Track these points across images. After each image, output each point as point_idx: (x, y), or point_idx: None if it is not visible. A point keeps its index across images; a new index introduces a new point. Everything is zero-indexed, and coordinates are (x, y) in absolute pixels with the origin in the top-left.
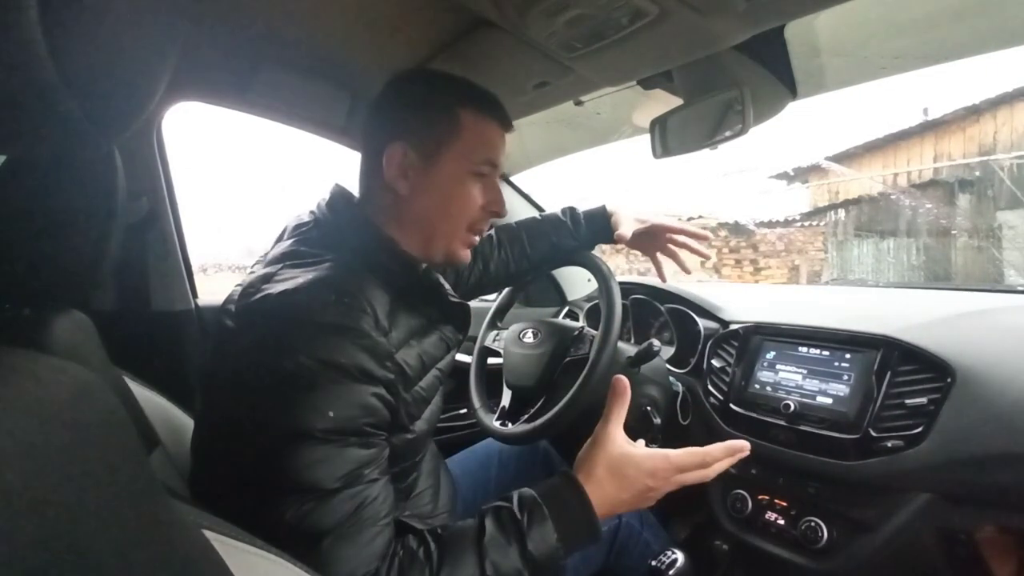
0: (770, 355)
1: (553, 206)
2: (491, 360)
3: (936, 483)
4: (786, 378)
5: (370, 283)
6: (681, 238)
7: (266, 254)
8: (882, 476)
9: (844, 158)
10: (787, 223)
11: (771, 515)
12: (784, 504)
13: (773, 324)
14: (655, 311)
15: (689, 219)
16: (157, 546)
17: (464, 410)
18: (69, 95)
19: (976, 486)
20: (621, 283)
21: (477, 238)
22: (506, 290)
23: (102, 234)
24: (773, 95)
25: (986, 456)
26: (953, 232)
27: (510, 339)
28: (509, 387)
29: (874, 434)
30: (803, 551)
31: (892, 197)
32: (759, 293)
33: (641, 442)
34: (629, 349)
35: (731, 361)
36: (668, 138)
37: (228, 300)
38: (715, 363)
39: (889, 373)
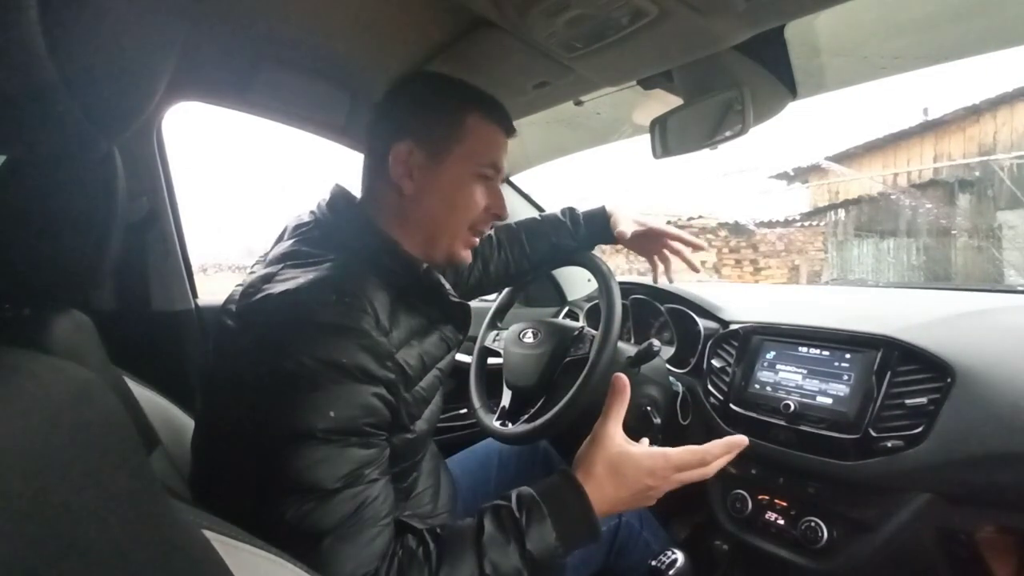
0: (770, 355)
1: (553, 206)
2: (491, 360)
3: (936, 483)
4: (786, 378)
5: (371, 283)
6: (677, 245)
7: (266, 254)
8: (882, 476)
9: (844, 158)
10: (787, 223)
11: (771, 515)
12: (784, 504)
13: (773, 324)
14: (655, 311)
15: (689, 219)
16: (157, 546)
17: (464, 410)
18: (69, 95)
19: (976, 486)
20: (621, 283)
21: (478, 239)
22: (506, 290)
23: (102, 234)
24: (773, 95)
25: (986, 456)
26: (953, 232)
27: (510, 339)
28: (509, 387)
29: (874, 434)
30: (803, 551)
31: (892, 197)
32: (759, 293)
33: (645, 441)
34: (629, 349)
35: (731, 361)
36: (668, 138)
37: (229, 300)
38: (715, 363)
39: (889, 373)
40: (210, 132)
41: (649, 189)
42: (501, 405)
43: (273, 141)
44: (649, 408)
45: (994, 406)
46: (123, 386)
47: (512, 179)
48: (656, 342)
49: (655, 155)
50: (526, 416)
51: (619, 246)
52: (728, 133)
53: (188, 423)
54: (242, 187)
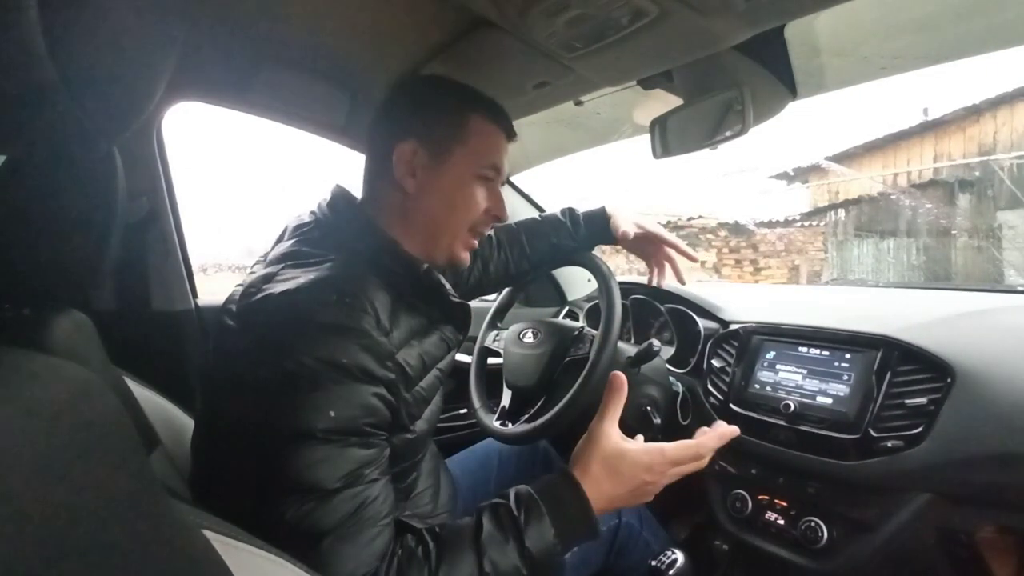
0: (770, 355)
1: (553, 206)
2: (491, 360)
3: (936, 483)
4: (786, 378)
5: (371, 283)
6: (671, 252)
7: (266, 254)
8: (882, 476)
9: (844, 158)
10: (787, 223)
11: (771, 515)
12: (784, 504)
13: (773, 324)
14: (655, 311)
15: (689, 219)
16: (157, 546)
17: (464, 410)
18: (69, 95)
19: (976, 486)
20: (621, 283)
21: (477, 241)
22: (506, 290)
23: (102, 234)
24: (773, 95)
25: (986, 456)
26: (953, 232)
27: (510, 339)
28: (509, 387)
29: (874, 434)
30: (803, 551)
31: (892, 197)
32: (759, 293)
33: (640, 437)
34: (629, 349)
35: (731, 361)
36: (668, 138)
37: (229, 300)
38: (715, 363)
39: (889, 373)
40: (210, 132)
41: (649, 189)
42: (501, 405)
43: (273, 141)
44: (649, 408)
45: (994, 406)
46: (123, 386)
47: (512, 179)
48: (656, 342)
49: (655, 155)
50: (526, 416)
51: (619, 246)
52: (728, 133)
53: (188, 423)
54: (242, 187)
